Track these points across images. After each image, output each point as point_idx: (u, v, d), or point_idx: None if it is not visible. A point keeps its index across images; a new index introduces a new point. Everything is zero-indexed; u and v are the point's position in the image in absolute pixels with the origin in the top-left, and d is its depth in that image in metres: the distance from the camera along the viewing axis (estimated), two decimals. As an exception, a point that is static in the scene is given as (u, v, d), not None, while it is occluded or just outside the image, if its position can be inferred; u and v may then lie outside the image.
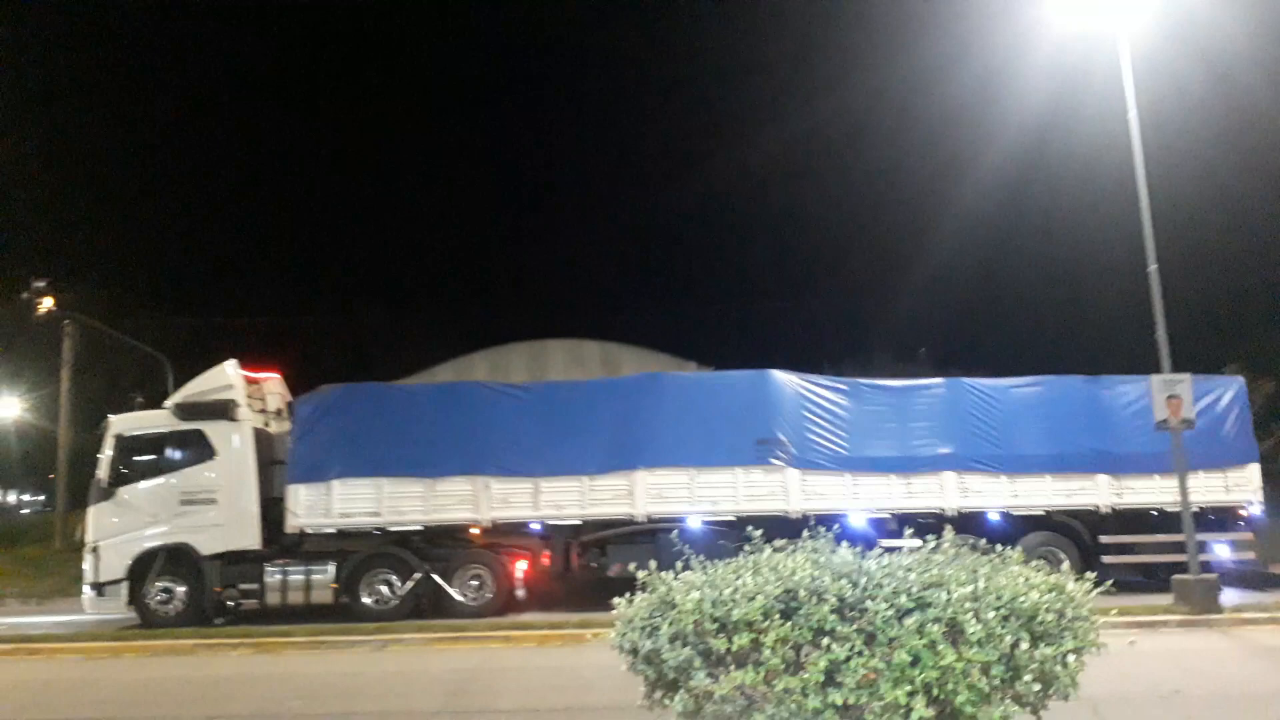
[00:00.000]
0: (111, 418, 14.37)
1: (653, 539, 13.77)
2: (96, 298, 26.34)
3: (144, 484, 13.91)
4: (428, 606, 13.77)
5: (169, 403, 14.28)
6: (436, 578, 13.81)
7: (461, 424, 13.94)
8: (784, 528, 13.51)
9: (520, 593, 13.91)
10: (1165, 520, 13.70)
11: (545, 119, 73.39)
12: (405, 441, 13.81)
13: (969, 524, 13.21)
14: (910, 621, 3.94)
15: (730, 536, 13.47)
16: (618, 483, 13.68)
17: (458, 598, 13.78)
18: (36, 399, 27.21)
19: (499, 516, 13.75)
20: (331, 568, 13.79)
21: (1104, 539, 13.90)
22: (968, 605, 4.02)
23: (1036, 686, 4.02)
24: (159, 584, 13.68)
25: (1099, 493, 13.76)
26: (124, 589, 13.61)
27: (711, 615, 4.15)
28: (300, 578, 13.71)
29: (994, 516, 13.75)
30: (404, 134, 71.13)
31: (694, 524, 13.68)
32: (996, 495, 13.72)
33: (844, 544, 4.59)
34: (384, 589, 13.84)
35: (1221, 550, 13.83)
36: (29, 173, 30.57)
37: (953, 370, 34.90)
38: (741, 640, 4.03)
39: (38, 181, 31.60)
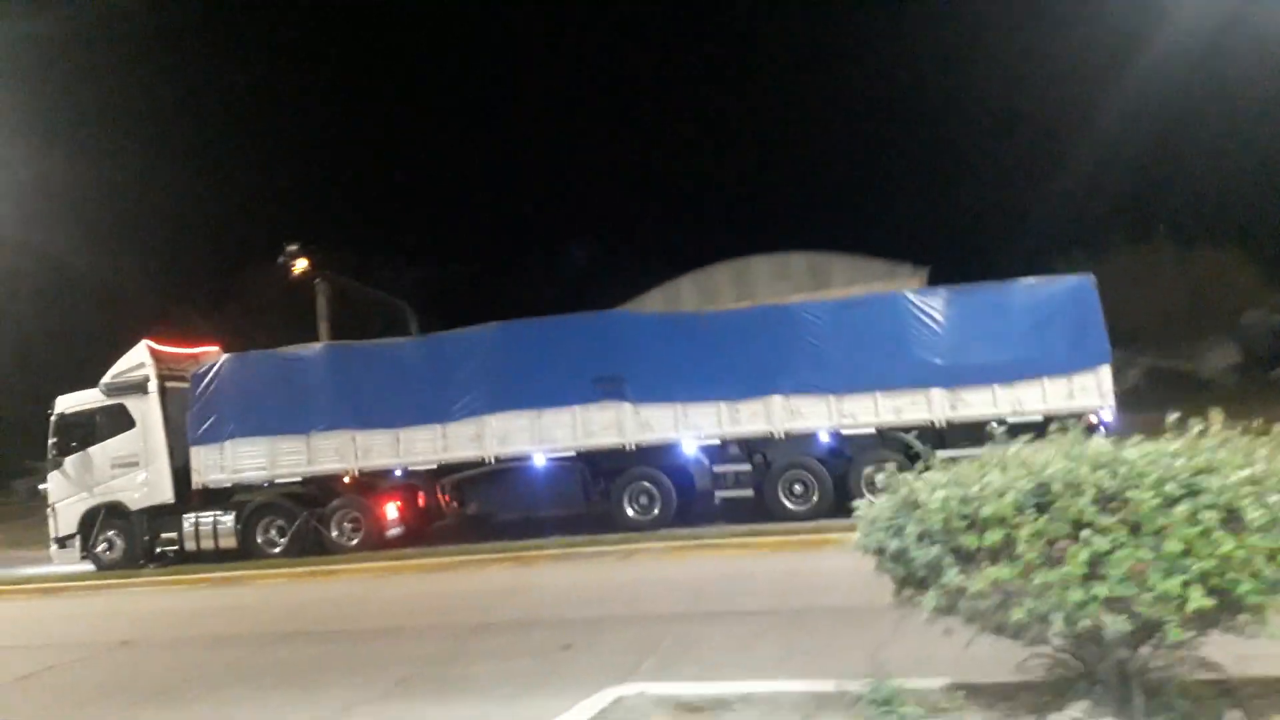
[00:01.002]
0: (56, 400, 16.46)
1: (505, 477, 15.00)
2: (341, 256, 28.90)
3: (84, 453, 16.11)
4: (311, 546, 15.28)
5: (100, 383, 16.16)
6: (315, 522, 15.37)
7: (332, 384, 15.29)
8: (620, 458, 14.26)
9: (393, 531, 15.47)
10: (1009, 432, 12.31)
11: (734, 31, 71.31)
12: (286, 402, 15.34)
13: (800, 445, 13.80)
14: (1180, 509, 3.69)
15: (575, 471, 14.64)
16: (468, 429, 14.61)
17: (334, 537, 15.31)
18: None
19: (365, 465, 15.12)
20: (232, 516, 15.49)
21: (943, 454, 12.76)
22: (1246, 490, 3.71)
23: (1336, 575, 3.67)
24: (102, 536, 15.95)
25: (932, 407, 13.20)
26: (78, 541, 15.99)
27: (960, 513, 4.10)
28: (209, 526, 15.57)
29: (824, 438, 13.76)
30: (598, 64, 71.73)
31: (539, 461, 14.64)
32: (825, 416, 13.61)
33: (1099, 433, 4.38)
34: (275, 533, 15.56)
35: None
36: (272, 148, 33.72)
37: (1198, 247, 31.31)
38: (994, 536, 3.96)
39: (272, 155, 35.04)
